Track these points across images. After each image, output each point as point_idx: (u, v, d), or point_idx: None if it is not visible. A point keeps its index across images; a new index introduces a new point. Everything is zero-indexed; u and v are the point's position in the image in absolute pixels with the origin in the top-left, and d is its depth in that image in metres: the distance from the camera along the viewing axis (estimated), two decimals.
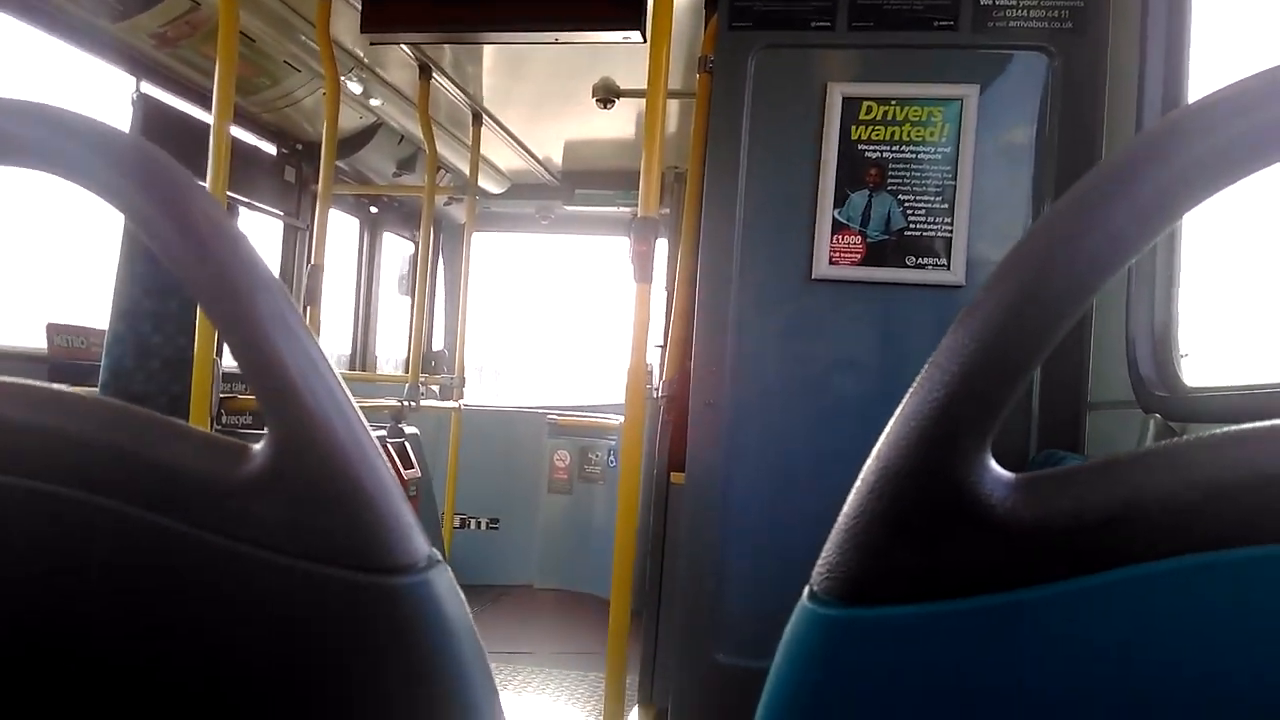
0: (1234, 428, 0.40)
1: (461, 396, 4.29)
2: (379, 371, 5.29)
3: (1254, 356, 1.93)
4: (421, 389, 3.95)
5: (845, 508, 0.44)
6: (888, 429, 0.43)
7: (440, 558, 0.52)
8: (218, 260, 0.47)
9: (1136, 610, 0.40)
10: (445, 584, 0.51)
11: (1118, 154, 0.40)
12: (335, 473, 0.47)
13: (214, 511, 0.48)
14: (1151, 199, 0.39)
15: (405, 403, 3.81)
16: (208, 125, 2.51)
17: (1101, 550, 0.40)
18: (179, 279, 0.48)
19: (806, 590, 0.46)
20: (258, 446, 0.49)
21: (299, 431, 0.47)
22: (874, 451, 0.43)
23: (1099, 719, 0.41)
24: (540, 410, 5.27)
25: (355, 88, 3.66)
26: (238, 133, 3.76)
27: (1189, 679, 0.40)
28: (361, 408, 0.50)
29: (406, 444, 3.88)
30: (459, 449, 4.25)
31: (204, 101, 3.19)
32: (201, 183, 0.50)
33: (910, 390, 0.43)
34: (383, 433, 3.72)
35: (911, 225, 2.12)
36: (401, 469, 3.79)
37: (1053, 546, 0.40)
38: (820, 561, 0.45)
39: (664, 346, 3.19)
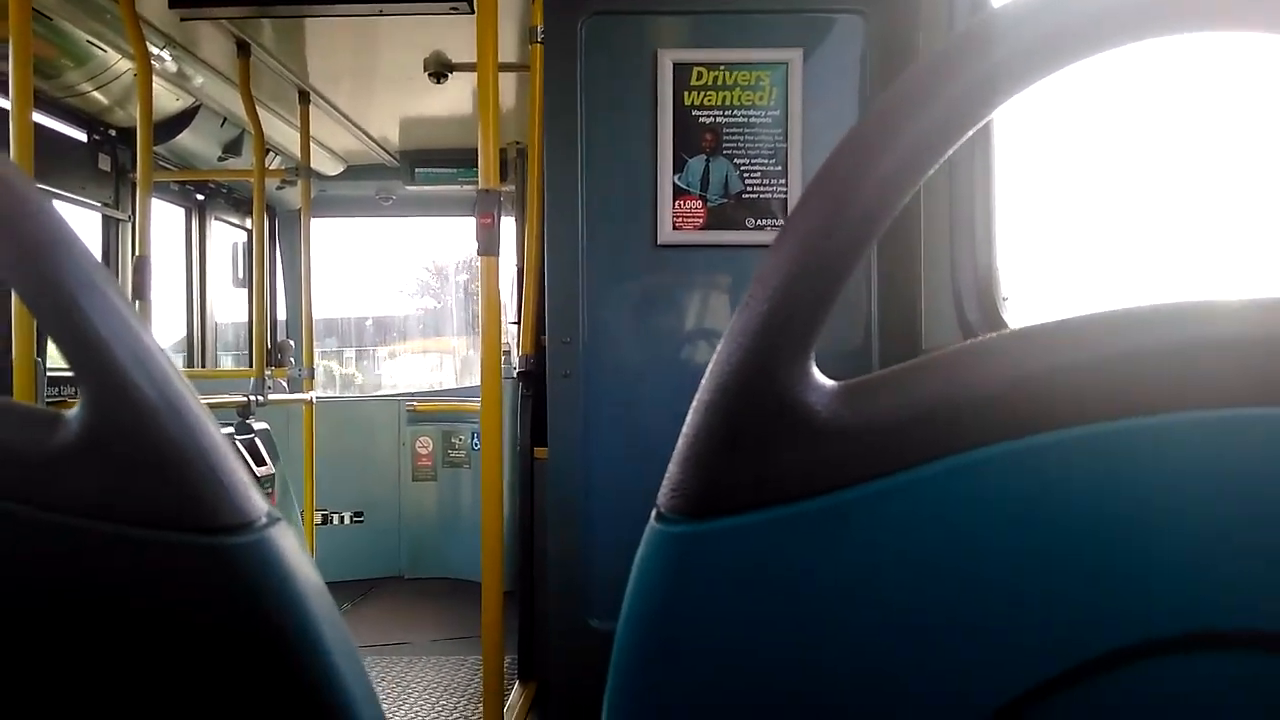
0: (1027, 325, 0.44)
1: (312, 388, 4.13)
2: (220, 367, 5.02)
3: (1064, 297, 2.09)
4: (268, 382, 3.78)
5: (685, 426, 0.45)
6: (720, 345, 0.44)
7: (280, 516, 0.50)
8: (9, 218, 0.44)
9: (955, 499, 0.43)
10: (287, 542, 0.49)
11: (918, 66, 0.42)
12: (155, 432, 0.45)
13: (27, 483, 0.46)
14: (948, 107, 0.41)
15: (251, 398, 3.64)
16: (5, 113, 2.31)
17: (919, 445, 0.42)
18: None
19: (654, 511, 0.47)
20: (71, 412, 0.46)
21: (112, 390, 0.45)
22: (708, 369, 0.45)
23: (928, 602, 0.44)
24: (398, 397, 5.14)
25: (169, 67, 3.42)
26: (43, 120, 3.46)
27: (1008, 560, 0.43)
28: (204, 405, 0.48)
29: (257, 440, 3.70)
30: (314, 443, 4.10)
31: (2, 87, 2.93)
32: None
33: (739, 307, 0.44)
34: (229, 430, 3.54)
35: (749, 188, 2.17)
36: (254, 466, 3.62)
37: (875, 445, 0.43)
38: (665, 481, 0.46)
39: (519, 324, 3.16)
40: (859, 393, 0.44)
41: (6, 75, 2.36)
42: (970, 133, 0.42)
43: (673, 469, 0.46)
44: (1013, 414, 0.42)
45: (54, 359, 3.45)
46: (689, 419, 0.45)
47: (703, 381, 0.45)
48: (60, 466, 0.46)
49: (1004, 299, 2.06)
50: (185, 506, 0.46)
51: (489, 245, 2.14)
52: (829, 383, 0.44)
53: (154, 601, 0.48)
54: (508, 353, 4.30)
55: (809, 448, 0.43)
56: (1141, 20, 0.41)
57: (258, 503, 0.48)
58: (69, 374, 3.47)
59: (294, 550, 0.50)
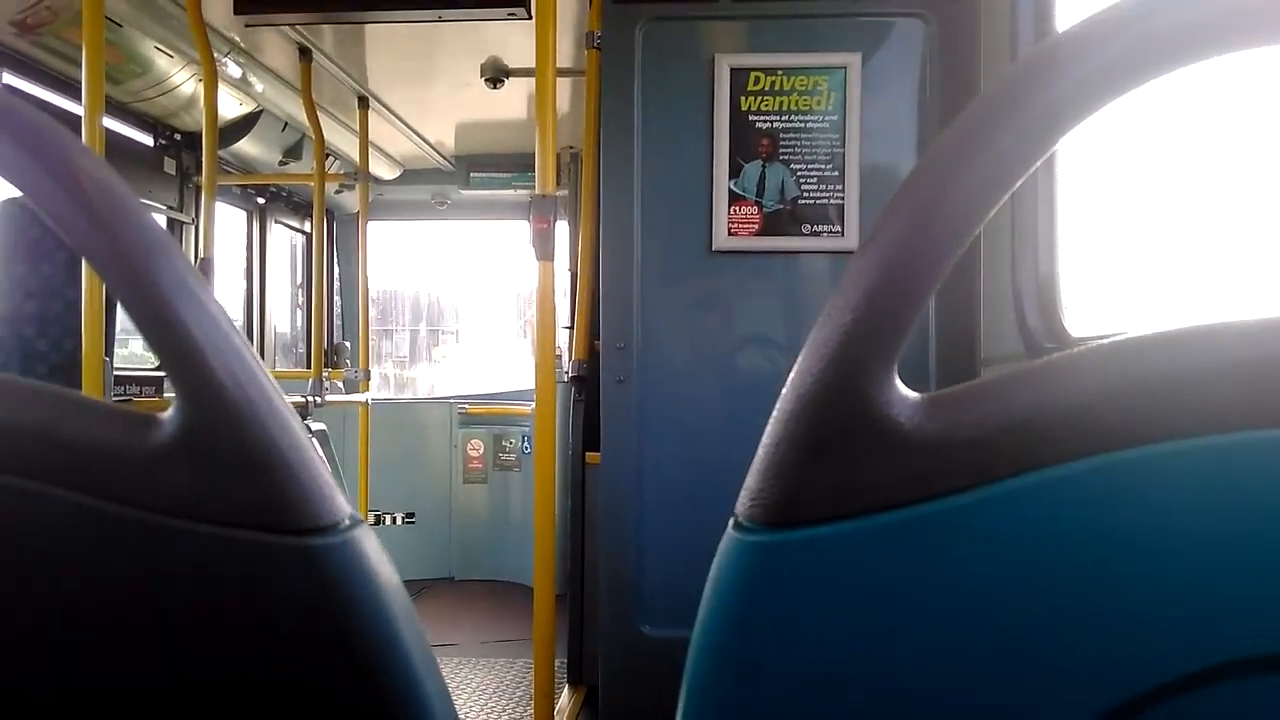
0: (1117, 338, 0.43)
1: (367, 389, 4.19)
2: (276, 368, 5.13)
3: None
4: (325, 384, 3.85)
5: (765, 436, 0.45)
6: (801, 357, 0.44)
7: (362, 519, 0.51)
8: (110, 225, 0.45)
9: (1041, 514, 0.42)
10: (370, 544, 0.50)
11: (1001, 81, 0.42)
12: (246, 435, 0.46)
13: (124, 483, 0.47)
14: (1034, 121, 0.41)
15: (309, 398, 3.71)
16: (77, 118, 2.38)
17: (1004, 458, 0.42)
18: (72, 247, 0.46)
19: (731, 520, 0.47)
20: (166, 414, 0.47)
21: (206, 395, 0.46)
22: (789, 379, 0.45)
23: (1013, 619, 0.43)
24: (450, 400, 5.20)
25: (233, 72, 3.51)
26: (112, 124, 3.57)
27: (1096, 578, 0.42)
28: None
29: (314, 440, 3.76)
30: (369, 443, 4.16)
31: (74, 93, 3.03)
32: (86, 146, 0.47)
33: (820, 318, 0.44)
34: None
35: (805, 193, 2.15)
36: None
37: (959, 458, 0.42)
38: (744, 490, 0.46)
39: (571, 328, 3.18)
40: (944, 404, 0.43)
41: (78, 81, 2.43)
42: (1055, 147, 0.42)
43: (751, 479, 0.46)
44: (1103, 428, 0.41)
45: (120, 359, 3.55)
46: (769, 429, 0.45)
47: (783, 391, 0.45)
48: (155, 467, 0.47)
49: (1065, 308, 2.02)
50: (274, 508, 0.47)
51: (545, 250, 2.15)
52: (913, 394, 0.44)
53: (242, 601, 0.49)
54: (559, 357, 4.33)
55: (892, 459, 0.43)
56: (1211, 37, 0.41)
57: (342, 505, 0.50)
58: (134, 373, 3.56)
59: (376, 551, 0.51)
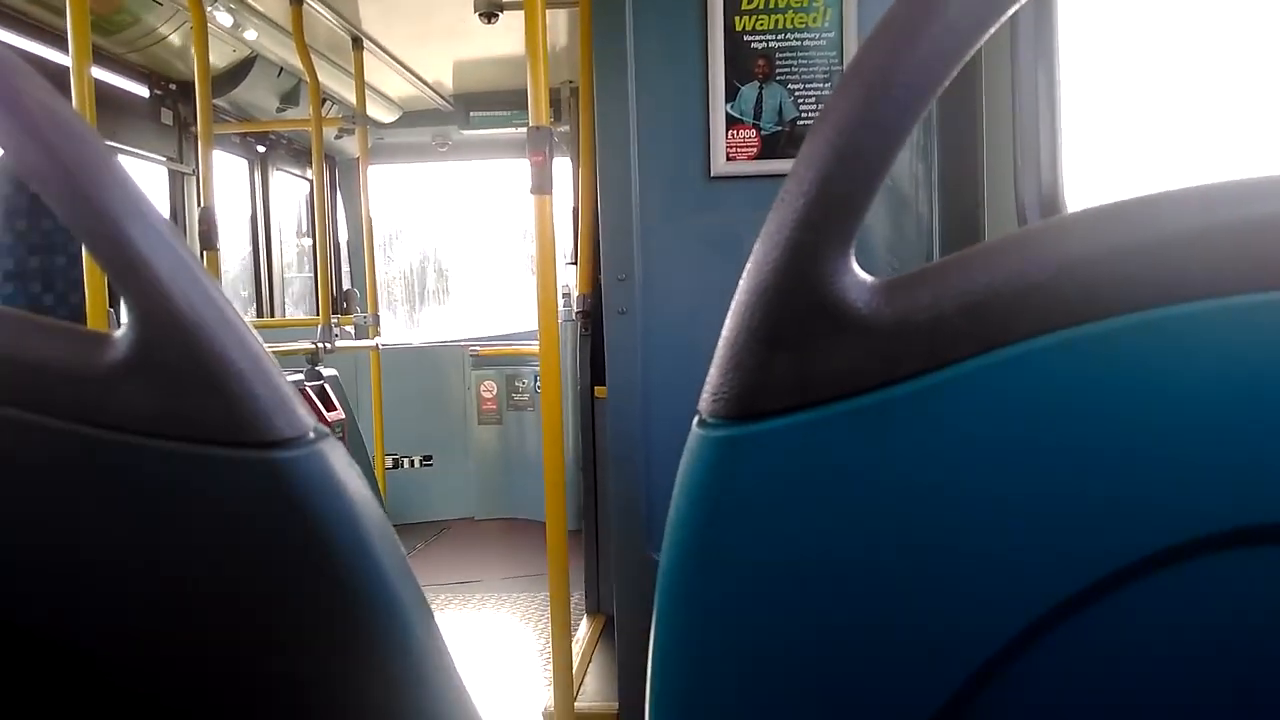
0: (1076, 211, 0.42)
1: (378, 334, 4.20)
2: (287, 316, 5.15)
3: None
4: (335, 330, 3.86)
5: (724, 330, 0.45)
6: (756, 247, 0.43)
7: (328, 431, 0.50)
8: (54, 146, 0.44)
9: (1002, 393, 0.41)
10: (337, 456, 0.50)
11: None
12: (202, 349, 0.46)
13: (80, 402, 0.47)
14: None
15: (319, 345, 3.72)
16: (67, 69, 2.36)
17: (963, 339, 0.41)
18: (17, 171, 0.45)
19: (696, 418, 0.46)
20: (119, 332, 0.47)
21: (158, 310, 0.45)
22: (745, 271, 0.44)
23: (976, 498, 0.43)
24: (461, 343, 5.21)
25: (225, 19, 3.45)
26: (105, 76, 3.53)
27: (1057, 455, 0.42)
28: (274, 354, 0.48)
29: (326, 386, 3.80)
30: (382, 388, 4.19)
31: (63, 44, 2.99)
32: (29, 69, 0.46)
33: (774, 204, 0.43)
34: (299, 377, 3.64)
35: (804, 114, 2.11)
36: (324, 411, 3.72)
37: (918, 340, 0.42)
38: (706, 386, 0.46)
39: (576, 263, 3.16)
40: (901, 288, 0.42)
41: (66, 32, 2.40)
42: (1006, 15, 0.40)
43: (712, 373, 0.45)
44: (1061, 303, 0.40)
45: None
46: (727, 322, 0.44)
47: (740, 283, 0.44)
48: (112, 384, 0.47)
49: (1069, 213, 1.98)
50: (233, 422, 0.47)
51: (541, 184, 2.13)
52: (869, 278, 0.43)
53: (208, 516, 0.49)
54: (567, 294, 4.32)
55: (851, 345, 0.42)
56: None
57: (305, 417, 0.49)
58: None
59: (343, 464, 0.50)
